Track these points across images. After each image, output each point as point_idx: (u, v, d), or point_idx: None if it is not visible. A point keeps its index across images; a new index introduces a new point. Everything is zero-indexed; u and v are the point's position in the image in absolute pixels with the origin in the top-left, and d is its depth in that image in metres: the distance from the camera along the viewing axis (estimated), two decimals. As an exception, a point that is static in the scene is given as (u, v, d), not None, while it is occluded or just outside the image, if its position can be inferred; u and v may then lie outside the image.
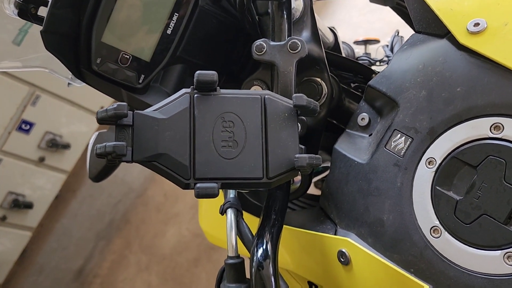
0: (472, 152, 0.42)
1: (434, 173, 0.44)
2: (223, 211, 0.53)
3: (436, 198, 0.44)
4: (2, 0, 0.59)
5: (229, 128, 0.44)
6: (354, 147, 0.55)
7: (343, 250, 0.50)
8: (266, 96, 0.45)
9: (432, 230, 0.44)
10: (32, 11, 0.59)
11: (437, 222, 0.44)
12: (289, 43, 0.52)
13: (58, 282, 2.54)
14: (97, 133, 0.81)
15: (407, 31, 0.62)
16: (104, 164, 0.79)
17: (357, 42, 1.16)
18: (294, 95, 0.45)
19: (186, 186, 0.42)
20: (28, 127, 2.17)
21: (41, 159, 2.29)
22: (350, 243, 0.49)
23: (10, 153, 2.17)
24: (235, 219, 0.52)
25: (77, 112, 2.32)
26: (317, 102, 0.46)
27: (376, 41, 1.14)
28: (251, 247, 0.48)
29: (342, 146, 0.56)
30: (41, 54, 0.73)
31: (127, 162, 0.42)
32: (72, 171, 2.48)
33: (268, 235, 0.48)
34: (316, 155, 0.44)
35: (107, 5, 0.55)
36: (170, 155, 0.42)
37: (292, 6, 0.59)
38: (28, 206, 2.32)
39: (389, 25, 1.03)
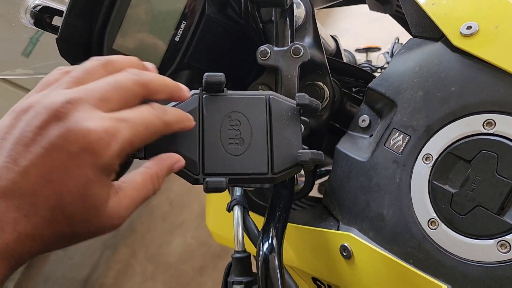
0: (466, 148, 0.44)
1: (431, 168, 0.47)
2: (230, 208, 0.56)
3: (433, 192, 0.46)
4: (19, 10, 0.62)
5: (236, 126, 0.46)
6: (356, 147, 0.57)
7: (345, 245, 0.52)
8: (270, 97, 0.48)
9: (429, 222, 0.46)
10: (47, 21, 0.62)
11: (434, 215, 0.46)
12: (292, 48, 0.55)
13: (64, 292, 2.56)
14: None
15: (407, 39, 0.65)
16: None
17: (358, 50, 1.19)
18: (297, 94, 0.47)
19: (195, 181, 0.45)
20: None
21: (48, 169, 2.31)
22: (352, 237, 0.51)
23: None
24: (241, 215, 0.55)
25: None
26: (318, 102, 0.49)
27: (377, 49, 1.18)
28: (257, 242, 0.50)
29: (343, 146, 0.58)
30: (52, 62, 0.76)
31: (140, 159, 0.45)
32: (78, 181, 2.50)
33: (273, 230, 0.50)
34: (318, 151, 0.46)
35: (118, 14, 0.58)
36: (180, 151, 0.44)
37: (295, 14, 0.62)
38: (35, 215, 2.34)
39: (390, 34, 1.06)
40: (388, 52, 1.07)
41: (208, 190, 0.43)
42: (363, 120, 0.59)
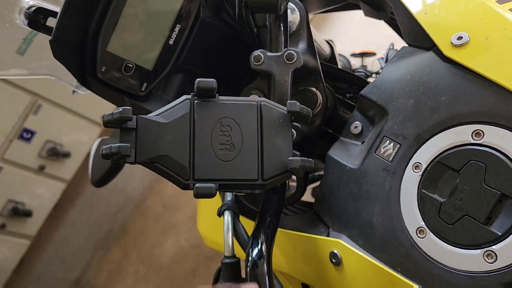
0: (455, 157, 0.45)
1: (420, 177, 0.47)
2: (220, 213, 0.56)
3: (422, 201, 0.46)
4: (13, 11, 0.62)
5: (227, 132, 0.46)
6: (347, 154, 0.57)
7: (335, 251, 0.52)
8: (262, 103, 0.48)
9: (418, 231, 0.46)
10: (41, 22, 0.62)
11: (422, 223, 0.46)
12: (286, 54, 0.55)
13: (56, 292, 2.54)
14: (99, 139, 0.83)
15: (402, 45, 0.65)
16: (106, 170, 0.81)
17: (354, 55, 1.19)
18: (288, 101, 0.48)
19: (185, 186, 0.45)
20: (29, 135, 2.18)
21: (41, 168, 2.30)
22: (342, 244, 0.51)
23: (11, 161, 2.18)
24: (232, 220, 0.55)
25: (78, 121, 2.34)
26: (309, 109, 0.49)
27: (373, 54, 1.18)
28: (246, 247, 0.50)
29: (335, 152, 0.58)
30: (45, 63, 0.76)
31: (130, 163, 0.44)
32: (71, 180, 2.49)
33: (263, 236, 0.51)
34: (308, 158, 0.46)
35: (112, 16, 0.58)
36: (171, 156, 0.44)
37: (289, 19, 0.62)
38: (28, 214, 2.33)
39: (386, 39, 1.06)
40: (383, 58, 1.08)
41: (198, 195, 0.43)
42: (355, 127, 0.59)
